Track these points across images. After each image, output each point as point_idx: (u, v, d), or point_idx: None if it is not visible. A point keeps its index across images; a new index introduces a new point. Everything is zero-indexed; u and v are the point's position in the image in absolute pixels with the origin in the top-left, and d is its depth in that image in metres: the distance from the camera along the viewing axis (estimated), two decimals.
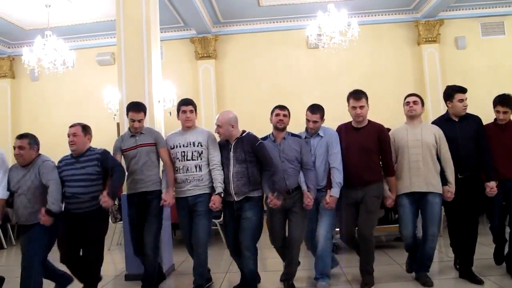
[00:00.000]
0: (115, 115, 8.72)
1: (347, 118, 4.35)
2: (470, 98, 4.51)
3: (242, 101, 9.71)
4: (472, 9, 9.89)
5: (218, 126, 4.15)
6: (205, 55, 10.22)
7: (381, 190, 4.15)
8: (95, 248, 3.95)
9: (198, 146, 4.19)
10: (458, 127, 4.24)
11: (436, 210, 4.09)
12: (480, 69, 9.76)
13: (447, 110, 4.40)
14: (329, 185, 4.14)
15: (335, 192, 4.06)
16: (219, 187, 4.05)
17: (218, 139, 4.32)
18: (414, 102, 4.21)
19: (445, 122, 4.31)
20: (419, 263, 4.23)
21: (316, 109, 4.20)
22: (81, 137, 3.99)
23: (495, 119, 4.40)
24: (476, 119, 4.31)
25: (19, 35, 9.86)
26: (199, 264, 4.16)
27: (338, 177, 4.08)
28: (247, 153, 4.06)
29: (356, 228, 4.19)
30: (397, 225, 4.40)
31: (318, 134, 4.24)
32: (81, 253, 3.99)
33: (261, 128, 4.36)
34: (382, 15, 10.03)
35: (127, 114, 4.34)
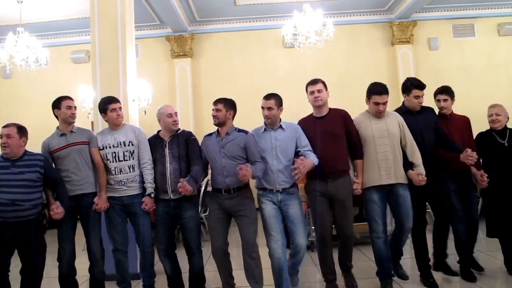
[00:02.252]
0: (89, 113, 8.61)
1: None
2: None
3: None
4: (444, 11, 10.12)
5: (176, 114, 4.06)
6: (181, 53, 10.18)
7: (351, 185, 3.99)
8: (39, 258, 3.66)
9: (129, 145, 4.04)
10: (419, 119, 4.17)
11: (408, 202, 3.96)
12: (452, 69, 9.97)
13: (403, 102, 4.33)
14: None
15: (312, 158, 3.77)
16: (149, 187, 3.97)
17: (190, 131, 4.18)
18: (385, 104, 4.03)
19: (404, 115, 4.17)
20: (392, 255, 4.14)
21: (270, 96, 3.98)
22: (16, 139, 3.63)
23: (439, 112, 4.47)
24: (432, 110, 4.31)
25: None
26: (149, 264, 4.08)
27: (314, 156, 3.82)
28: (182, 149, 3.99)
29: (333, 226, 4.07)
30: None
31: (281, 126, 3.96)
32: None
33: (237, 126, 4.33)
34: (357, 15, 10.18)
35: (59, 106, 4.00)
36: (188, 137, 4.06)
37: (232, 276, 4.02)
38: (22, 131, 3.73)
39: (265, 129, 4.01)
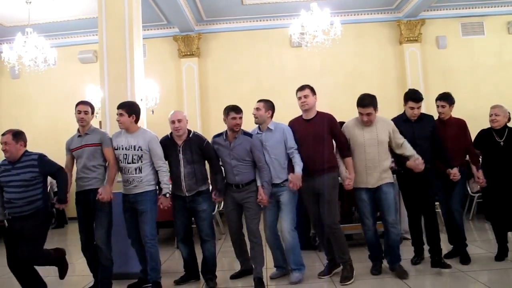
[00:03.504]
0: (97, 113, 8.62)
1: None
2: None
3: (225, 99, 9.52)
4: (453, 9, 10.02)
5: (178, 121, 4.30)
6: (188, 53, 10.18)
7: (336, 180, 4.38)
8: (26, 247, 3.87)
9: (138, 150, 4.29)
10: (415, 128, 4.51)
11: (391, 199, 4.34)
12: (460, 68, 9.90)
13: (404, 110, 4.62)
14: (291, 172, 4.32)
15: (298, 170, 4.26)
16: (165, 188, 4.30)
17: (183, 133, 4.38)
18: (368, 115, 4.26)
19: (402, 123, 4.53)
20: (389, 253, 4.42)
21: (260, 100, 4.49)
22: (12, 145, 3.98)
23: (439, 117, 4.77)
24: (431, 119, 4.61)
25: None
26: (152, 259, 4.27)
27: (299, 161, 4.29)
28: (195, 154, 4.36)
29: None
30: (380, 222, 4.55)
31: (269, 128, 4.42)
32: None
33: (243, 126, 4.41)
34: (364, 14, 10.11)
35: (75, 110, 4.32)
36: (200, 144, 4.39)
37: (244, 255, 4.68)
38: (17, 136, 4.05)
39: (257, 132, 4.51)
